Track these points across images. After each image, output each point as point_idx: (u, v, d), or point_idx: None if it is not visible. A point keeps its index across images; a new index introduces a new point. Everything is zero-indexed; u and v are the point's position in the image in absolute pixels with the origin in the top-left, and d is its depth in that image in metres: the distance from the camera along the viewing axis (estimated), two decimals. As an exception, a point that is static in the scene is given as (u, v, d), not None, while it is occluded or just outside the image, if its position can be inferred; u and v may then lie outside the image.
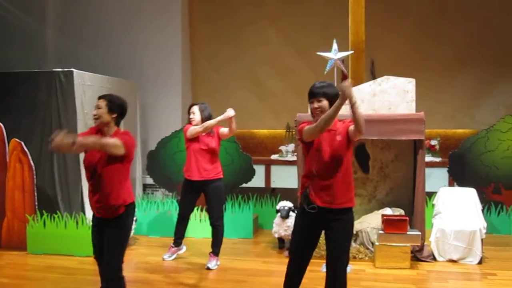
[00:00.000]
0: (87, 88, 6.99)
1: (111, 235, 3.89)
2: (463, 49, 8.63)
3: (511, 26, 8.51)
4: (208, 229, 6.00)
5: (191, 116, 5.81)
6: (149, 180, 8.25)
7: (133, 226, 6.81)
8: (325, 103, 3.67)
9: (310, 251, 3.89)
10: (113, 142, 3.72)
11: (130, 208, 3.94)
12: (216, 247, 5.87)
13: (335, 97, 3.58)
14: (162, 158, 7.76)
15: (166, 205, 7.44)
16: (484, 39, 8.58)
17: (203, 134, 5.73)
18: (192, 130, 5.73)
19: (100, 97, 3.96)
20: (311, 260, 3.93)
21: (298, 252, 3.89)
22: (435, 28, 8.71)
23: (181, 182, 6.01)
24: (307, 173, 3.78)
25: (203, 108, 5.84)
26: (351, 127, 3.63)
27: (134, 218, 6.81)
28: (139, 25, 9.00)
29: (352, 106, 3.43)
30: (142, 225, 7.32)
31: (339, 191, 3.69)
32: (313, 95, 3.70)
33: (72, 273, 5.65)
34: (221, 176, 5.86)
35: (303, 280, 4.04)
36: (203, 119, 5.75)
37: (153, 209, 7.42)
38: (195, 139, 5.74)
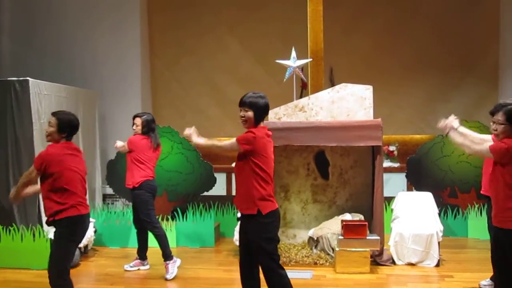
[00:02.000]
0: (44, 98, 6.85)
1: (52, 244, 4.25)
2: (420, 57, 8.82)
3: (466, 35, 8.74)
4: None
5: (134, 127, 6.03)
6: (109, 190, 8.13)
7: (93, 237, 6.75)
8: (250, 113, 3.87)
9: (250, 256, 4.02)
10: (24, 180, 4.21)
11: (65, 220, 4.06)
12: (164, 252, 5.81)
13: (260, 110, 3.88)
14: (122, 168, 7.62)
15: (127, 215, 7.33)
16: (440, 47, 8.79)
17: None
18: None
19: (52, 114, 4.24)
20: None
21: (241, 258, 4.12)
22: (393, 36, 8.88)
23: (142, 191, 6.00)
24: None
25: (146, 121, 5.97)
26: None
27: (94, 230, 6.75)
28: (98, 34, 8.89)
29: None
30: (102, 236, 7.21)
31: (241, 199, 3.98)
32: (241, 104, 3.92)
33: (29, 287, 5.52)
34: (137, 184, 5.90)
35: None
36: (147, 131, 5.96)
37: (113, 219, 7.30)
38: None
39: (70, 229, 4.09)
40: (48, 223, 4.15)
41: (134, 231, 6.20)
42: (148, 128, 5.93)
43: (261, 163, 3.85)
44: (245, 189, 3.88)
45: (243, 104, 3.89)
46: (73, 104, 7.61)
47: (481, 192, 5.13)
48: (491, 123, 3.81)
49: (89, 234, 6.60)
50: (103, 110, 8.63)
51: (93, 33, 8.89)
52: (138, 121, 5.97)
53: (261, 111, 3.91)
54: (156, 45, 9.35)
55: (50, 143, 4.19)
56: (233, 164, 8.24)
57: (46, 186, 4.08)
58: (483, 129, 7.44)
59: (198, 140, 4.08)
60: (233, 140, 3.90)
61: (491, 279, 4.98)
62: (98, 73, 8.79)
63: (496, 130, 3.71)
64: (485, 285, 5.10)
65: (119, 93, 8.82)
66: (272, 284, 3.90)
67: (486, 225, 5.15)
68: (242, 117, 3.89)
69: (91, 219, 6.81)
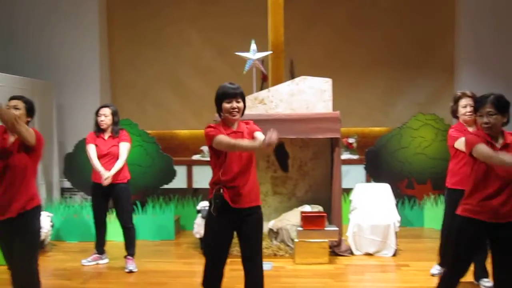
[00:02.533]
0: (-2, 89, 6.69)
1: (20, 239, 3.81)
2: (379, 50, 8.96)
3: (423, 28, 8.92)
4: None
5: (102, 118, 5.75)
6: (67, 184, 8.00)
7: (50, 232, 6.63)
8: (241, 104, 3.75)
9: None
10: (28, 129, 3.81)
11: (37, 211, 3.89)
12: (132, 249, 5.84)
13: (245, 101, 3.78)
14: (80, 161, 7.51)
15: (85, 209, 7.23)
16: (398, 41, 8.94)
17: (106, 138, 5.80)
18: (88, 151, 5.82)
19: (16, 98, 4.02)
20: (234, 260, 3.98)
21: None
22: (353, 30, 8.99)
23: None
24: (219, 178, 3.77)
25: (115, 112, 5.83)
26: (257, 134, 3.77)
27: (51, 224, 6.63)
28: (54, 23, 8.67)
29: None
30: (59, 230, 7.09)
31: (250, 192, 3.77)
32: (232, 95, 3.72)
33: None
34: (126, 179, 5.84)
35: (224, 280, 4.05)
36: (114, 123, 5.79)
37: (71, 213, 7.20)
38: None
39: (39, 220, 3.95)
40: (16, 213, 3.78)
41: (93, 225, 6.10)
42: (118, 119, 5.83)
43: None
44: (253, 181, 3.78)
45: (234, 95, 3.73)
46: (29, 96, 7.35)
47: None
48: (478, 118, 3.64)
49: (46, 229, 6.49)
50: (61, 101, 8.46)
51: (51, 23, 8.68)
52: (107, 111, 5.75)
53: (245, 102, 3.84)
54: (116, 37, 9.21)
55: None
56: (194, 157, 8.31)
57: (30, 170, 3.86)
58: (439, 121, 7.65)
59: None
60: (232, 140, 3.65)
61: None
62: (55, 64, 8.59)
63: (488, 122, 3.56)
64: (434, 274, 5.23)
65: (78, 85, 8.66)
66: (261, 278, 3.87)
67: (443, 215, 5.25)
68: (234, 108, 3.72)
69: (48, 214, 6.73)
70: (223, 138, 3.61)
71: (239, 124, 3.81)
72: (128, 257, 5.82)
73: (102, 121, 5.74)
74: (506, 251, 3.65)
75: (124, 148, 5.78)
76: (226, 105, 3.72)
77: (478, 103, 3.64)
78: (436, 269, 5.27)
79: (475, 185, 3.64)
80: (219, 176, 3.72)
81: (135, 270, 5.73)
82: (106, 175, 5.62)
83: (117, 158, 5.74)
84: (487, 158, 3.49)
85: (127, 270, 5.72)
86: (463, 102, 4.87)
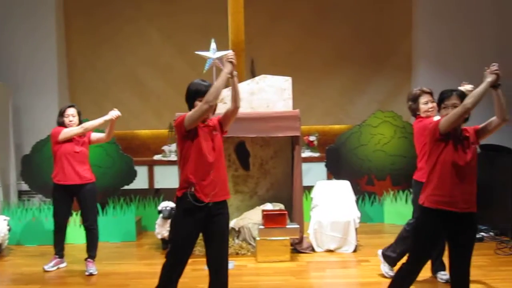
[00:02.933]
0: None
1: None
2: (338, 50, 9.07)
3: (381, 27, 9.07)
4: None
5: (71, 119, 5.66)
6: (25, 187, 7.82)
7: (7, 236, 6.47)
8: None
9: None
10: None
11: None
12: (94, 251, 5.77)
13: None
14: (38, 163, 7.37)
15: (43, 212, 7.09)
16: (356, 40, 9.07)
17: (77, 136, 5.60)
18: (68, 131, 5.56)
19: None
20: (196, 260, 3.96)
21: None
22: (313, 28, 9.08)
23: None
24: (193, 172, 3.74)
25: (79, 112, 5.76)
26: (224, 116, 3.86)
27: (8, 228, 6.48)
28: (10, 24, 8.47)
29: (233, 77, 3.72)
30: (17, 234, 6.93)
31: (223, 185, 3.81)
32: (205, 93, 3.68)
33: None
34: (94, 179, 5.77)
35: (186, 280, 4.06)
36: (80, 122, 5.69)
37: (29, 216, 7.04)
38: (66, 141, 5.58)
39: None
40: None
41: (51, 228, 5.97)
42: (81, 119, 5.77)
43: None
44: (224, 174, 3.84)
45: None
46: (-17, 97, 7.26)
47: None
48: (443, 110, 3.75)
49: (3, 233, 6.34)
50: (16, 103, 8.26)
51: (5, 22, 8.46)
52: (74, 111, 5.68)
53: None
54: (74, 37, 9.05)
55: None
56: (155, 157, 8.24)
57: None
58: (397, 118, 7.80)
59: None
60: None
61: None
62: (12, 66, 8.38)
63: None
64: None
65: (35, 86, 8.47)
66: (227, 278, 3.91)
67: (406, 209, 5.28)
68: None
69: (4, 217, 6.56)
70: (195, 109, 3.67)
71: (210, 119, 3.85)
72: (89, 259, 5.74)
73: (71, 121, 5.64)
74: (463, 243, 3.73)
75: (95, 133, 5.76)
76: (198, 103, 3.71)
77: (444, 95, 3.77)
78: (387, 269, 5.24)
79: (439, 176, 3.69)
80: (193, 171, 3.69)
81: (95, 272, 5.65)
82: (115, 112, 5.54)
83: (87, 158, 5.70)
84: (455, 116, 3.58)
85: (87, 273, 5.63)
86: (424, 99, 4.89)
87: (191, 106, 3.79)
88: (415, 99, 4.96)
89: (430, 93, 4.90)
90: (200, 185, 3.69)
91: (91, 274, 5.62)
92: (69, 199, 5.73)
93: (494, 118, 3.71)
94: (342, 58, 9.09)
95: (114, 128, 5.67)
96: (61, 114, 5.70)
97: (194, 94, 3.77)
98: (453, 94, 3.73)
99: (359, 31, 9.08)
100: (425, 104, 4.89)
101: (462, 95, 3.73)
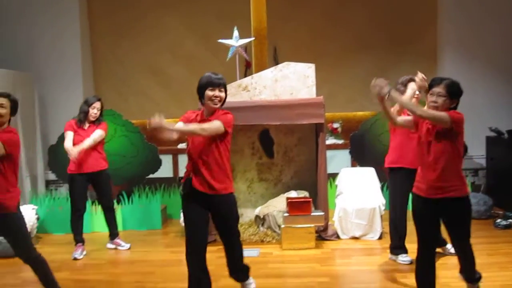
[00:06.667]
0: (-24, 82, 6.60)
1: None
2: (361, 35, 8.93)
3: (405, 11, 8.92)
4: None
5: (95, 111, 5.90)
6: (52, 176, 7.94)
7: (35, 225, 6.59)
8: (223, 94, 3.99)
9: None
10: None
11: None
12: (117, 228, 6.24)
13: (226, 90, 4.02)
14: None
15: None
16: (381, 25, 8.92)
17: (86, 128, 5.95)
18: (67, 139, 5.91)
19: (2, 95, 4.08)
20: (219, 247, 4.10)
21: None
22: (334, 15, 8.95)
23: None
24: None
25: (103, 105, 6.04)
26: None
27: (36, 216, 6.60)
28: (35, 15, 8.54)
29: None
30: (45, 223, 7.05)
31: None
32: (216, 84, 3.93)
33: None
34: (106, 166, 6.13)
35: (212, 267, 4.11)
36: (100, 115, 6.01)
37: (56, 205, 7.15)
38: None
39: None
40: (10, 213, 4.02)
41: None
42: (102, 113, 6.06)
43: (229, 143, 4.03)
44: (220, 169, 3.94)
45: (218, 84, 3.93)
46: (10, 88, 7.31)
47: (399, 165, 5.19)
48: (429, 95, 3.80)
49: (31, 221, 6.45)
50: (42, 93, 8.37)
51: (31, 14, 8.55)
52: (99, 105, 5.94)
53: (227, 93, 4.07)
54: (98, 26, 9.09)
55: None
56: (179, 146, 8.27)
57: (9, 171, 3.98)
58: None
59: (176, 127, 3.80)
60: (215, 123, 3.87)
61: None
62: (36, 56, 8.47)
63: (436, 102, 3.71)
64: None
65: (60, 75, 8.55)
66: (241, 258, 4.19)
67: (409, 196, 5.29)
68: (217, 97, 3.92)
69: (33, 206, 6.68)
70: (216, 128, 3.87)
71: (216, 112, 3.97)
72: (118, 238, 6.15)
73: (95, 114, 5.90)
74: (450, 225, 3.88)
75: (96, 134, 5.89)
76: (209, 93, 3.91)
77: (433, 82, 3.80)
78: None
79: (418, 161, 3.89)
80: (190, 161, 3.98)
81: (127, 247, 6.14)
82: (74, 151, 5.73)
83: (96, 145, 5.89)
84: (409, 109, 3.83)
85: (124, 248, 6.12)
86: (412, 86, 4.93)
87: (201, 96, 3.98)
88: (405, 84, 5.10)
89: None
90: (193, 175, 3.96)
91: (127, 248, 6.15)
92: (84, 186, 6.01)
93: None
94: (364, 45, 8.95)
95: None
96: (89, 104, 5.90)
97: (204, 85, 3.93)
98: (441, 83, 3.75)
99: (381, 17, 8.93)
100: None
101: (451, 85, 3.74)
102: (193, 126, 3.84)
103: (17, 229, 4.09)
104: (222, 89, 3.97)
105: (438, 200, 3.74)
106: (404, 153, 5.10)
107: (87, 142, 5.79)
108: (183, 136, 3.99)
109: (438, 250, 5.10)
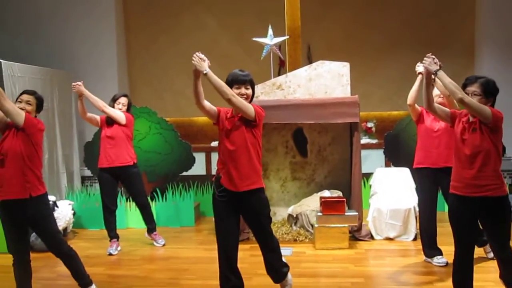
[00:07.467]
0: (18, 80, 6.75)
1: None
2: (396, 33, 8.85)
3: (442, 11, 8.78)
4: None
5: (120, 107, 6.00)
6: (88, 172, 8.08)
7: (71, 220, 6.71)
8: (250, 91, 3.96)
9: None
10: (15, 107, 3.98)
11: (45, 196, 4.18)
12: (154, 223, 6.26)
13: (254, 88, 4.00)
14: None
15: (106, 197, 7.30)
16: (415, 22, 8.82)
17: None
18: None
19: (28, 93, 4.18)
20: (255, 246, 4.06)
21: None
22: (370, 12, 8.90)
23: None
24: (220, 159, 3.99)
25: (130, 103, 6.14)
26: None
27: (72, 212, 6.72)
28: (72, 13, 8.71)
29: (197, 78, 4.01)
30: (81, 219, 7.18)
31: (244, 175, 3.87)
32: (242, 82, 3.92)
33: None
34: (136, 161, 6.08)
35: (245, 266, 4.10)
36: (127, 111, 6.07)
37: (92, 201, 7.27)
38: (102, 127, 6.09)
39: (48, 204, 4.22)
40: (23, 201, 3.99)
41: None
42: (130, 107, 6.14)
43: (260, 139, 3.96)
44: (248, 163, 3.85)
45: (244, 82, 3.91)
46: (48, 86, 7.52)
47: (424, 165, 5.17)
48: None
49: (68, 217, 6.57)
50: (79, 91, 8.50)
51: (67, 12, 8.72)
52: (125, 100, 6.03)
53: (254, 90, 4.05)
54: (133, 24, 9.23)
55: None
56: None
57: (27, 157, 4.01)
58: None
59: (210, 72, 3.83)
60: (248, 104, 3.84)
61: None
62: (73, 54, 8.65)
63: None
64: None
65: (95, 73, 8.67)
66: (279, 256, 4.08)
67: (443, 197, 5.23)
68: (243, 94, 3.89)
69: (69, 202, 6.81)
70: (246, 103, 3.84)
71: None
72: (154, 232, 6.21)
73: (119, 109, 5.96)
74: (488, 227, 3.75)
75: (116, 111, 5.91)
76: (235, 91, 3.88)
77: (468, 81, 3.72)
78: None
79: (454, 159, 3.77)
80: (219, 158, 3.96)
81: (164, 242, 6.21)
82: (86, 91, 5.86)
83: (121, 142, 5.89)
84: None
85: (160, 245, 6.19)
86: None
87: None
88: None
89: None
90: (223, 173, 3.94)
91: (164, 244, 6.21)
92: (113, 181, 6.03)
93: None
94: (400, 42, 8.85)
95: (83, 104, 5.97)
96: (114, 100, 6.03)
97: (230, 83, 3.92)
98: (476, 81, 3.67)
99: (414, 17, 8.83)
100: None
101: (486, 84, 3.65)
102: (227, 87, 3.80)
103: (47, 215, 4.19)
104: (248, 86, 3.93)
105: (475, 199, 3.63)
106: (428, 153, 5.09)
107: (100, 101, 5.84)
108: (214, 89, 3.86)
109: (479, 250, 5.01)
